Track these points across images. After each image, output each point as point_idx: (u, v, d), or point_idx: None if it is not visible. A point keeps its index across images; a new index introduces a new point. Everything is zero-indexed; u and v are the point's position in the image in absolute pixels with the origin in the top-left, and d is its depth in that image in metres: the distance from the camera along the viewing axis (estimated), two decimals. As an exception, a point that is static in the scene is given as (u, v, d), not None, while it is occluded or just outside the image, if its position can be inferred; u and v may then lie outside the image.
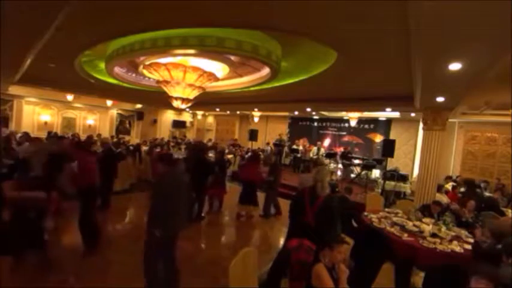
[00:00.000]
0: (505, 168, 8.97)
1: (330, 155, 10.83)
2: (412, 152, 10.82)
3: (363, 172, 9.58)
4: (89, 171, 3.91)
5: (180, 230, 2.96)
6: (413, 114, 9.25)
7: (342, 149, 11.56)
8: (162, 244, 2.77)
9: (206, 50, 4.54)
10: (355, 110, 10.17)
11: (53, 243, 3.66)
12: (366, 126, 12.18)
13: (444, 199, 5.79)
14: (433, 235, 3.51)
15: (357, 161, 10.65)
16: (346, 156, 10.71)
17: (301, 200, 3.00)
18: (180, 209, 2.84)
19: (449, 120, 6.27)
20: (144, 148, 10.02)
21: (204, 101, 10.40)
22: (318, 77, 5.75)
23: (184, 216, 2.99)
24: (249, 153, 11.56)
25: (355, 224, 4.34)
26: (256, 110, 12.87)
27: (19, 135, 8.83)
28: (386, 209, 4.86)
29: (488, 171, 9.37)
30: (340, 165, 10.75)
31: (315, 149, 12.03)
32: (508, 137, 8.74)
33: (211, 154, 8.47)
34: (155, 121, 16.63)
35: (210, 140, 15.85)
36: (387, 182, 8.05)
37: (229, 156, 11.01)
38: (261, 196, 6.56)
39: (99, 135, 11.74)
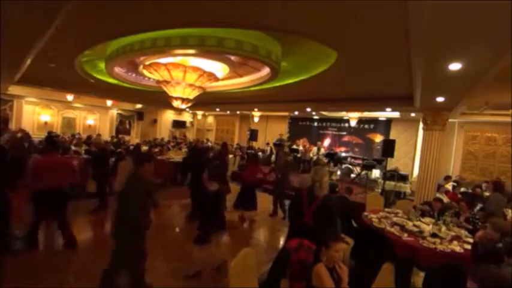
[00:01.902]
0: (505, 168, 8.97)
1: (330, 155, 10.83)
2: (412, 152, 10.82)
3: (363, 172, 9.58)
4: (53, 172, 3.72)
5: None
6: (413, 114, 9.26)
7: (329, 151, 11.59)
8: None
9: (206, 50, 4.55)
10: (355, 110, 10.18)
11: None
12: (366, 126, 12.18)
13: (444, 199, 5.78)
14: (433, 235, 3.51)
15: (349, 160, 10.74)
16: (341, 157, 10.80)
17: (300, 201, 3.00)
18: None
19: (449, 120, 6.28)
20: (144, 148, 10.02)
21: (204, 101, 10.40)
22: (318, 77, 5.75)
23: None
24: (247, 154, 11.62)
25: (355, 224, 4.33)
26: (256, 110, 12.88)
27: (18, 135, 8.84)
28: (386, 209, 4.86)
29: (488, 171, 9.37)
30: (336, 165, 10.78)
31: (315, 149, 12.03)
32: (508, 137, 8.74)
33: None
34: (155, 121, 16.63)
35: (207, 140, 15.84)
36: (387, 182, 8.05)
37: (229, 156, 11.01)
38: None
39: (98, 135, 11.76)
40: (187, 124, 18.00)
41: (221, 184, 6.20)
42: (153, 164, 2.97)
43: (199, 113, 17.18)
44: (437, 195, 5.88)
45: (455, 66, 3.17)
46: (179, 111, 15.76)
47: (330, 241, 2.17)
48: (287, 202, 6.12)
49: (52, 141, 4.57)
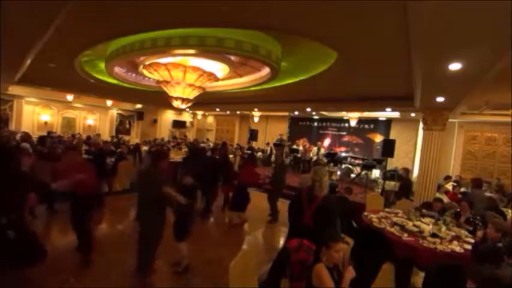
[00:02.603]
0: (505, 168, 8.97)
1: (330, 155, 10.83)
2: (412, 152, 10.82)
3: (363, 172, 9.58)
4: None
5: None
6: (413, 114, 9.25)
7: (329, 151, 11.60)
8: None
9: (206, 50, 4.55)
10: (355, 110, 10.18)
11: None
12: (366, 126, 12.18)
13: (444, 199, 5.79)
14: (433, 235, 3.51)
15: (349, 160, 10.76)
16: (341, 157, 10.82)
17: (299, 200, 3.00)
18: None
19: (449, 120, 6.27)
20: (144, 148, 10.02)
21: (204, 101, 10.41)
22: (318, 77, 5.75)
23: None
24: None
25: (354, 224, 4.33)
26: (256, 110, 12.88)
27: (19, 135, 8.85)
28: (386, 209, 4.86)
29: (488, 171, 9.37)
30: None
31: (315, 149, 12.04)
32: (508, 137, 8.74)
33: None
34: (155, 121, 16.64)
35: (208, 139, 15.86)
36: (387, 182, 8.05)
37: (230, 156, 11.01)
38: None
39: (97, 134, 11.78)
40: (187, 124, 18.00)
41: (227, 182, 6.28)
42: (168, 160, 3.51)
43: (199, 113, 17.18)
44: (437, 195, 5.88)
45: (455, 66, 3.17)
46: (179, 111, 15.77)
47: (331, 241, 2.17)
48: (283, 204, 6.13)
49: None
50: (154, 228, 3.16)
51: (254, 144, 13.52)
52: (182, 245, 3.57)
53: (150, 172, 3.26)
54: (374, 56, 4.34)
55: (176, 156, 9.37)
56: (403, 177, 7.49)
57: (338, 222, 3.15)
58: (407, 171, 7.34)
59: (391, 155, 7.59)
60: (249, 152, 11.99)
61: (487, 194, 6.97)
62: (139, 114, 16.04)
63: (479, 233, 3.59)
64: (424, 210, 4.60)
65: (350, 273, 2.15)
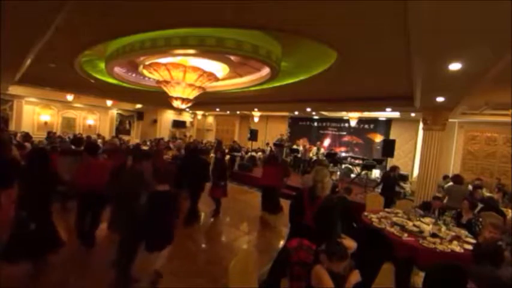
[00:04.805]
0: (505, 168, 8.96)
1: (330, 155, 10.83)
2: (412, 152, 10.82)
3: (363, 172, 9.58)
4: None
5: None
6: (413, 114, 9.25)
7: (329, 151, 11.62)
8: None
9: (206, 50, 4.54)
10: (355, 110, 10.19)
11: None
12: (366, 126, 12.18)
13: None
14: (433, 235, 3.51)
15: (349, 160, 10.75)
16: (341, 158, 10.83)
17: (301, 201, 3.00)
18: None
19: (449, 120, 6.28)
20: (144, 148, 10.01)
21: (204, 101, 10.41)
22: (318, 77, 5.75)
23: None
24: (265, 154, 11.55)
25: (354, 225, 4.33)
26: (256, 110, 12.87)
27: (19, 135, 8.84)
28: (386, 209, 4.86)
29: (488, 171, 9.37)
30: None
31: (315, 149, 12.04)
32: (508, 137, 8.74)
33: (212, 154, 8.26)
34: (155, 121, 16.64)
35: (208, 141, 15.87)
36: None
37: (228, 156, 10.99)
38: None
39: (98, 134, 11.77)
40: (187, 124, 18.00)
41: (219, 184, 6.23)
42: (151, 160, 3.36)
43: (199, 113, 17.18)
44: (437, 194, 5.88)
45: (455, 66, 3.17)
46: (179, 111, 15.76)
47: (335, 258, 2.12)
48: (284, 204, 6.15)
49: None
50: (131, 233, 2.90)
51: (254, 144, 13.47)
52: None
53: (130, 173, 3.13)
54: (374, 56, 4.34)
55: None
56: (386, 176, 7.05)
57: (338, 223, 3.15)
58: (394, 169, 6.90)
59: (391, 155, 7.60)
60: (234, 154, 11.90)
61: (487, 193, 6.98)
62: (139, 114, 16.05)
63: (484, 234, 3.57)
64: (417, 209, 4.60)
65: (356, 277, 2.14)
